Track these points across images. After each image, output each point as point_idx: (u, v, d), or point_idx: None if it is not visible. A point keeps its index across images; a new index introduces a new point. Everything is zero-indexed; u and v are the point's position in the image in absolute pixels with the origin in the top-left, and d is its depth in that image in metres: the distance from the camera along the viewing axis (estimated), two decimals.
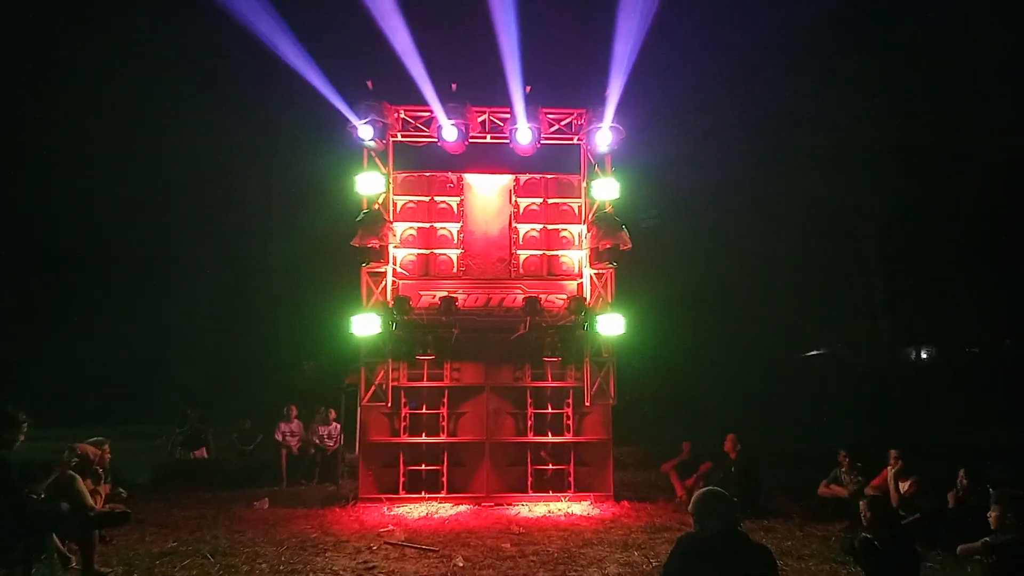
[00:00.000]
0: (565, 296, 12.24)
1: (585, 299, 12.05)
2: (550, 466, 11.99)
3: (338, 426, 14.41)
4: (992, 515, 5.91)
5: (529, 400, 12.10)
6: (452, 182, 12.67)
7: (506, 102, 12.18)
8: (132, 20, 29.26)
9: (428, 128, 12.45)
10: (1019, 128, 26.51)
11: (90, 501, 7.27)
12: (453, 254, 12.51)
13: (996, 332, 32.08)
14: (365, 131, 11.78)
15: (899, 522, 7.55)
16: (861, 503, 6.38)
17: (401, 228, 12.45)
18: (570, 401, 12.14)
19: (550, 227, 12.67)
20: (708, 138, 28.86)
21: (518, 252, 12.55)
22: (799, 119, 29.91)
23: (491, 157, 12.70)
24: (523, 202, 12.70)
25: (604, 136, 12.01)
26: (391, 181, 12.42)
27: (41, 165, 28.00)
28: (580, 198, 12.69)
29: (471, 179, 12.74)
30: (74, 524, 7.09)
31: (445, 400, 12.03)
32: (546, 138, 12.46)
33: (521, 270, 12.50)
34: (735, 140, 29.80)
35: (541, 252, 12.61)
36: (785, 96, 29.72)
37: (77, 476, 7.35)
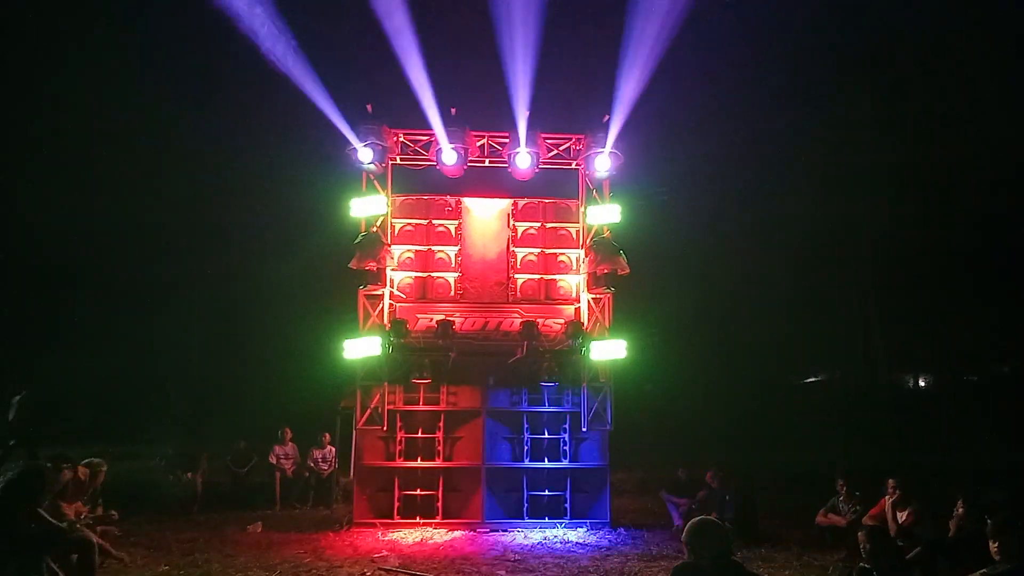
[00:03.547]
0: (563, 321, 12.24)
1: (583, 324, 12.05)
2: (546, 492, 11.91)
3: (333, 449, 14.31)
4: (991, 545, 5.86)
5: (526, 425, 12.05)
6: (450, 205, 12.71)
7: (505, 126, 12.27)
8: (130, 36, 29.42)
9: (427, 151, 12.52)
10: (1018, 147, 26.65)
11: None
12: (451, 277, 12.52)
13: (993, 358, 32.05)
14: (364, 154, 11.85)
15: (899, 553, 7.49)
16: (860, 534, 6.33)
17: (399, 251, 12.47)
18: (567, 426, 12.09)
19: (548, 251, 12.70)
20: (702, 162, 29.03)
21: (516, 276, 12.57)
22: (793, 142, 30.12)
23: (489, 181, 12.75)
24: (521, 226, 12.73)
25: (603, 161, 12.09)
26: (390, 204, 12.46)
27: (34, 180, 28.04)
28: (578, 223, 12.72)
29: (469, 203, 12.78)
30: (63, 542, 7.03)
31: (441, 424, 11.97)
32: (545, 163, 12.53)
33: (519, 294, 12.50)
34: (729, 164, 29.98)
35: (539, 276, 12.62)
36: (779, 119, 29.95)
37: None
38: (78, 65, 27.18)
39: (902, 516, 9.22)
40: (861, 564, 5.97)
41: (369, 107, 12.08)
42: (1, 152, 26.81)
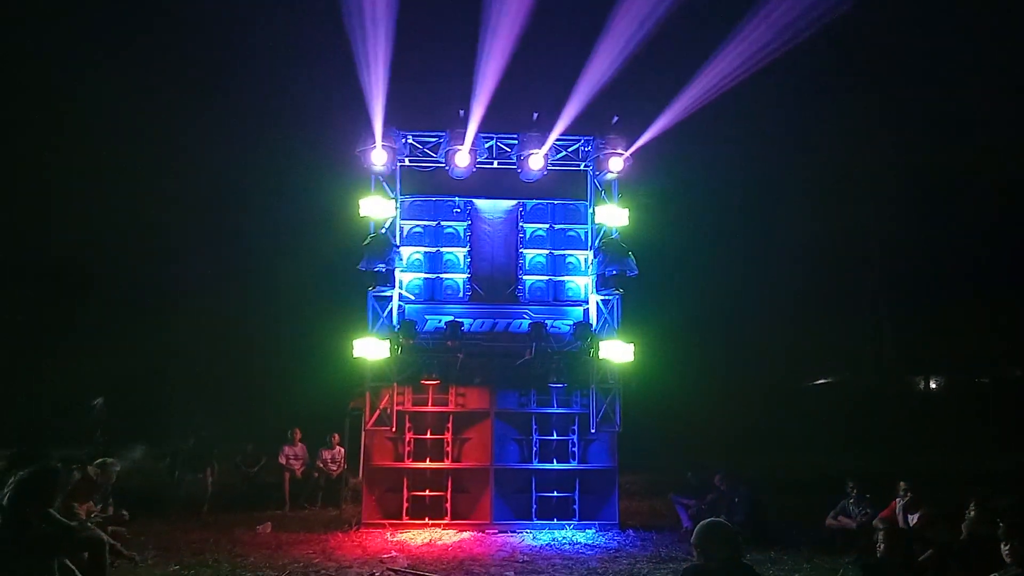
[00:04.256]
0: (571, 322, 12.23)
1: (591, 325, 12.04)
2: (555, 493, 11.90)
3: (342, 450, 14.34)
4: (1002, 548, 5.82)
5: (534, 426, 12.04)
6: (459, 207, 12.73)
7: (514, 128, 12.28)
8: (140, 36, 29.58)
9: (435, 153, 12.53)
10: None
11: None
12: (459, 279, 12.53)
13: (1005, 360, 31.80)
14: (377, 156, 11.88)
15: (911, 555, 7.47)
16: (880, 532, 6.30)
17: (408, 252, 12.49)
18: (576, 428, 12.08)
19: (556, 253, 12.70)
20: (710, 165, 28.93)
21: (524, 277, 12.57)
22: (803, 144, 30.01)
23: (498, 182, 12.77)
24: (529, 228, 12.74)
25: (616, 162, 12.09)
26: (398, 205, 12.48)
27: (47, 181, 28.22)
28: (586, 224, 12.72)
29: (478, 204, 12.80)
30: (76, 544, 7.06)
31: (450, 425, 11.98)
32: (553, 164, 12.53)
33: (527, 295, 12.51)
34: (738, 166, 29.90)
35: (547, 277, 12.62)
36: (787, 121, 29.83)
37: None
38: (88, 65, 27.33)
39: (913, 519, 9.17)
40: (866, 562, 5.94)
41: None
42: (14, 155, 26.99)
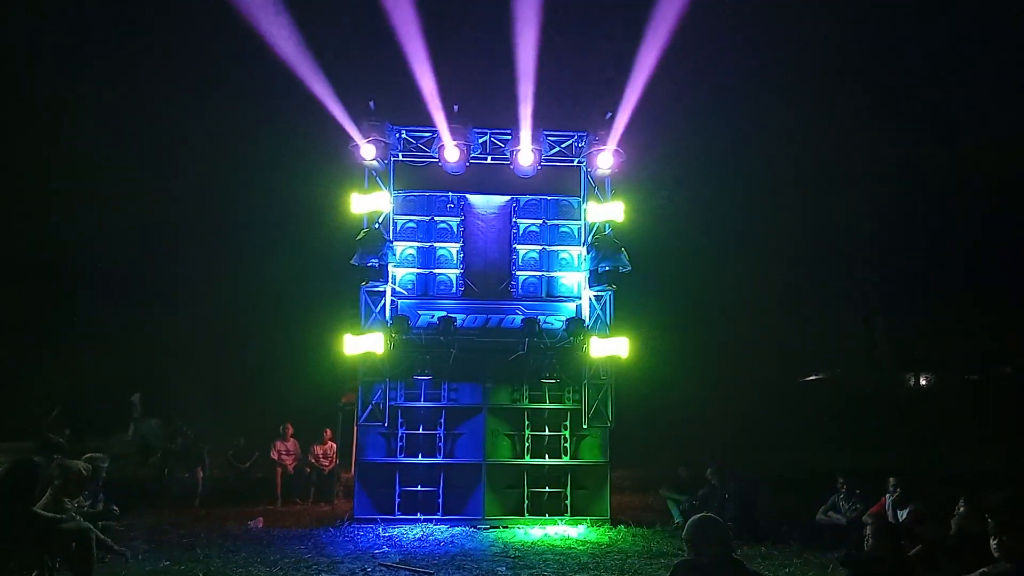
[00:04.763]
0: (564, 318, 12.24)
1: (584, 321, 12.05)
2: (547, 489, 11.92)
3: (334, 445, 14.34)
4: (991, 543, 5.85)
5: (527, 422, 12.06)
6: (452, 202, 12.71)
7: (507, 123, 12.28)
8: (134, 32, 29.46)
9: (429, 148, 12.52)
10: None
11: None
12: (452, 274, 12.52)
13: (995, 358, 31.95)
14: (367, 150, 11.87)
15: (900, 550, 7.48)
16: (869, 526, 6.33)
17: (401, 247, 12.47)
18: (567, 423, 12.09)
19: (549, 248, 12.70)
20: (704, 160, 28.98)
21: (517, 273, 12.57)
22: (797, 140, 30.11)
23: (491, 178, 12.74)
24: (523, 223, 12.73)
25: (605, 159, 12.10)
26: (392, 200, 12.46)
27: (43, 178, 28.10)
28: (579, 220, 12.72)
29: (471, 200, 12.78)
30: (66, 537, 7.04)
31: (442, 420, 11.99)
32: (547, 160, 12.52)
33: (520, 291, 12.51)
34: (732, 162, 29.96)
35: (540, 273, 12.62)
36: (782, 117, 29.92)
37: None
38: (82, 62, 27.21)
39: (903, 514, 9.21)
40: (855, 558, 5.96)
41: (372, 103, 12.09)
42: (14, 154, 26.87)
